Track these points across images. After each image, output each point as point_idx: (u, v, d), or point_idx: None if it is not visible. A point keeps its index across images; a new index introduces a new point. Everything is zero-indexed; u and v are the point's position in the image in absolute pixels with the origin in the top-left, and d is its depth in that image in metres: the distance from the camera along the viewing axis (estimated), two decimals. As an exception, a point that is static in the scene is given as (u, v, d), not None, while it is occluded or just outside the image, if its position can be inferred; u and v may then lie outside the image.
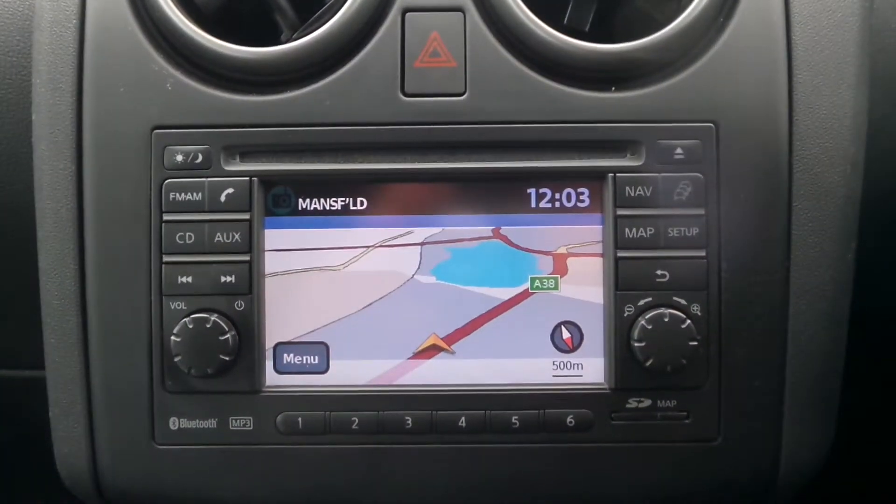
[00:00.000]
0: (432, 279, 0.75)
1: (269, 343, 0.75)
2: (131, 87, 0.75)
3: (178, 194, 0.74)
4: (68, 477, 0.77)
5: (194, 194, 0.74)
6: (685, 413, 0.75)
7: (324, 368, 0.76)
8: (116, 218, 0.75)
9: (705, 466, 0.76)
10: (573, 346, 0.75)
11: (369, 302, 0.75)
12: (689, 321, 0.73)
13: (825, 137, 0.75)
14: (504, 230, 0.75)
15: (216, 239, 0.74)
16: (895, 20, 0.83)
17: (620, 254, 0.74)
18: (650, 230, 0.74)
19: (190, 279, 0.74)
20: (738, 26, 0.75)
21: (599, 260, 0.75)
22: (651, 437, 0.75)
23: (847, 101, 0.76)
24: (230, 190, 0.74)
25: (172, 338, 0.73)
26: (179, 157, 0.74)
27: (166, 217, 0.74)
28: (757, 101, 0.75)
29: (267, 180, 0.75)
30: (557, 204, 0.75)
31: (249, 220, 0.74)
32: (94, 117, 0.75)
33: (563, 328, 0.75)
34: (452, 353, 0.75)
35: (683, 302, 0.74)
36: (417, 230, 0.75)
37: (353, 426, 0.75)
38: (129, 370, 0.75)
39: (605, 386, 0.75)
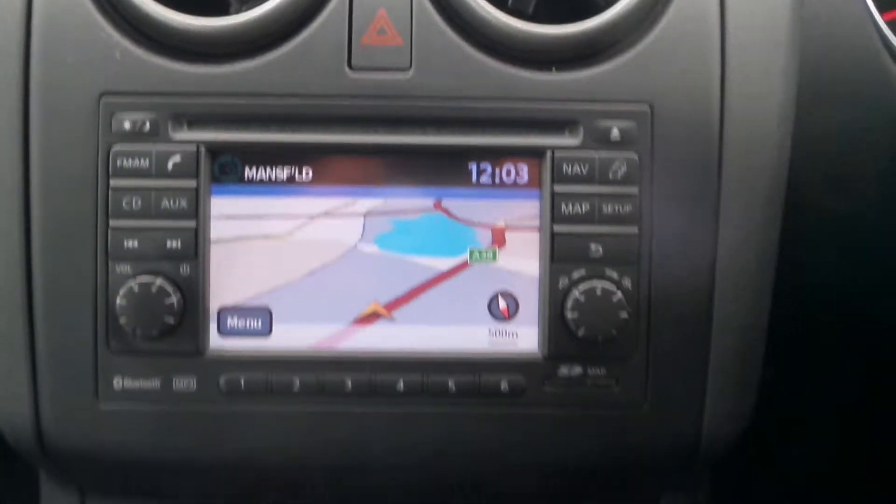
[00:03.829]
0: (375, 248, 0.78)
1: (214, 307, 0.77)
2: (79, 54, 0.75)
3: (125, 160, 0.75)
4: (11, 434, 0.78)
5: (141, 161, 0.75)
6: (614, 381, 0.78)
7: (267, 332, 0.77)
8: (63, 183, 0.76)
9: (633, 432, 0.79)
10: (509, 316, 0.78)
11: (312, 269, 0.77)
12: (620, 294, 0.76)
13: (754, 122, 0.79)
14: (445, 203, 0.78)
15: (163, 205, 0.75)
16: (825, 12, 0.86)
17: (556, 228, 0.77)
18: (585, 206, 0.77)
19: (136, 243, 0.75)
20: (676, 13, 0.78)
21: (536, 234, 0.78)
22: (582, 404, 0.78)
23: (776, 87, 0.79)
24: (177, 158, 0.75)
25: (118, 300, 0.74)
26: (127, 125, 0.75)
27: (113, 183, 0.75)
28: (691, 86, 0.78)
29: (214, 149, 0.76)
30: (497, 179, 0.78)
31: (196, 188, 0.75)
32: (42, 83, 0.76)
33: (500, 298, 0.78)
34: (393, 319, 0.78)
35: (615, 275, 0.77)
36: (361, 201, 0.77)
37: (295, 388, 0.77)
38: (74, 331, 0.76)
39: (539, 354, 0.78)
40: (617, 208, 0.77)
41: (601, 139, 0.77)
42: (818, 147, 0.85)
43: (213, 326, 0.77)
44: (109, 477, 0.82)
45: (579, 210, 0.77)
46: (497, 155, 0.77)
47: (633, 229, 0.77)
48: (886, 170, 0.89)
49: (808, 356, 1.07)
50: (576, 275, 0.77)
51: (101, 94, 0.75)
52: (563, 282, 0.77)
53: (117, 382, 0.76)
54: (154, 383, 0.77)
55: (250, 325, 0.77)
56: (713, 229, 0.78)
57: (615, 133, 0.77)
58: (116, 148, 0.75)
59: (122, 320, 0.74)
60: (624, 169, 0.77)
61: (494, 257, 0.78)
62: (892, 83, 0.86)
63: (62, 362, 0.76)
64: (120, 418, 0.77)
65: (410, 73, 0.76)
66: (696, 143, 0.78)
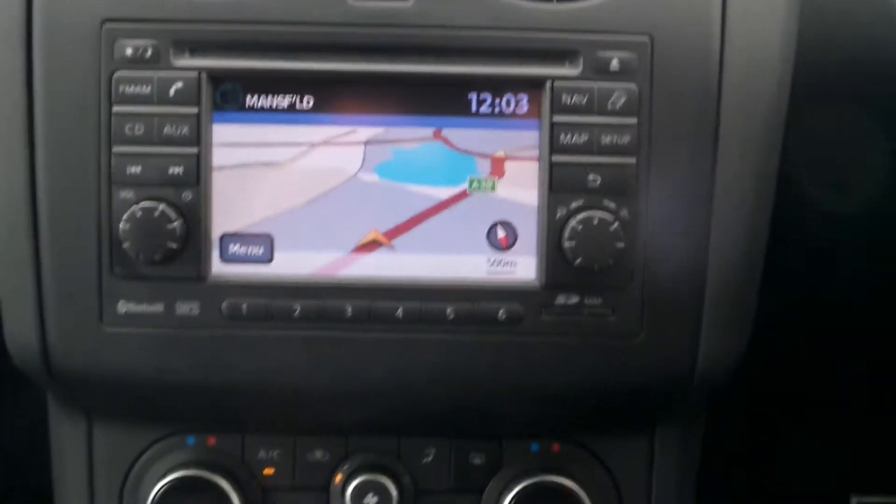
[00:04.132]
0: (375, 177, 0.78)
1: (216, 233, 0.78)
2: None
3: (127, 87, 0.76)
4: (18, 355, 0.80)
5: (143, 87, 0.76)
6: (610, 310, 0.79)
7: (268, 259, 0.78)
8: (66, 109, 0.76)
9: (628, 362, 0.80)
10: (507, 245, 0.79)
11: (313, 197, 0.78)
12: (617, 223, 0.77)
13: (755, 50, 0.79)
14: (445, 132, 0.78)
15: (164, 131, 0.76)
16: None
17: (555, 158, 0.77)
18: (584, 137, 0.77)
19: (138, 169, 0.76)
20: None
21: (535, 164, 0.78)
22: (578, 332, 0.79)
23: (778, 21, 0.79)
24: (179, 84, 0.76)
25: (121, 225, 0.75)
26: (129, 51, 0.76)
27: (116, 109, 0.76)
28: (691, 17, 0.78)
29: (215, 76, 0.76)
30: (497, 109, 0.78)
31: (197, 114, 0.76)
32: (44, 10, 0.76)
33: (499, 228, 0.79)
34: (392, 248, 0.79)
35: (613, 205, 0.77)
36: (361, 129, 0.78)
37: (295, 314, 0.78)
38: (79, 255, 0.77)
39: (536, 283, 0.79)
40: (615, 139, 0.77)
41: (601, 70, 0.77)
42: (818, 74, 0.85)
43: (215, 253, 0.78)
44: (115, 400, 0.84)
45: (578, 140, 0.77)
46: (497, 85, 0.78)
47: (632, 160, 0.77)
48: (888, 107, 0.89)
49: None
50: (574, 205, 0.77)
51: (103, 21, 0.76)
52: (560, 211, 0.77)
53: (121, 306, 0.78)
54: (157, 308, 0.78)
55: (252, 252, 0.78)
56: (711, 159, 0.79)
57: (615, 64, 0.77)
58: (118, 74, 0.76)
59: (126, 245, 0.75)
60: (623, 99, 0.77)
61: (493, 187, 0.79)
62: (894, 14, 0.86)
63: (67, 286, 0.78)
64: (124, 341, 0.78)
65: (411, 1, 0.76)
66: (696, 74, 0.78)
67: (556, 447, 0.88)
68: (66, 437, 0.88)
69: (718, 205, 0.79)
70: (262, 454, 0.87)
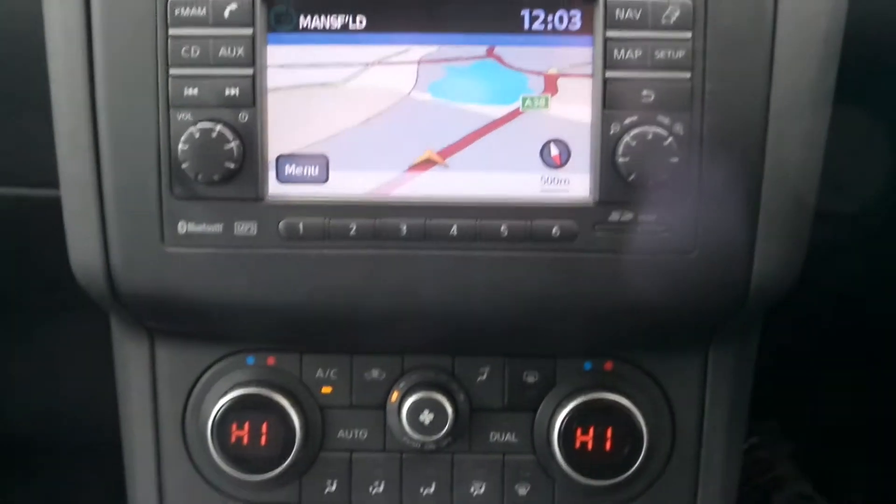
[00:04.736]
0: (428, 96, 0.78)
1: (272, 154, 0.79)
2: None
3: (183, 9, 0.76)
4: (83, 277, 0.82)
5: (198, 9, 0.76)
6: (664, 226, 0.79)
7: (324, 179, 0.79)
8: (124, 32, 0.77)
9: (682, 278, 0.80)
10: (561, 163, 0.79)
11: (367, 117, 0.79)
12: (671, 139, 0.76)
13: None
14: (498, 50, 0.78)
15: (220, 53, 0.77)
16: None
17: (609, 74, 0.77)
18: (638, 52, 0.77)
19: (196, 91, 0.77)
20: None
21: (589, 80, 0.78)
22: (632, 249, 0.79)
23: None
24: (233, 6, 0.76)
25: (180, 146, 0.77)
26: None
27: (172, 31, 0.77)
28: None
29: None
30: (550, 26, 0.78)
31: (252, 36, 0.77)
32: None
33: (552, 145, 0.79)
34: (446, 166, 0.79)
35: (667, 121, 0.77)
36: (414, 48, 0.78)
37: (351, 233, 0.79)
38: (139, 177, 0.79)
39: (590, 200, 0.79)
40: (669, 54, 0.77)
41: None
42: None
43: (271, 174, 0.79)
44: (177, 320, 0.86)
45: (632, 56, 0.77)
46: (550, 1, 0.77)
47: (686, 75, 0.77)
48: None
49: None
50: (627, 121, 0.77)
51: None
52: (614, 128, 0.77)
53: (181, 227, 0.79)
54: (216, 228, 0.79)
55: (307, 173, 0.79)
56: (767, 75, 0.77)
57: None
58: None
59: (185, 166, 0.77)
60: (677, 14, 0.76)
61: (546, 105, 0.79)
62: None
63: (129, 208, 0.79)
64: (185, 261, 0.80)
65: None
66: None
67: (609, 365, 0.89)
68: (130, 358, 0.91)
69: (774, 120, 0.78)
70: (319, 373, 0.89)
